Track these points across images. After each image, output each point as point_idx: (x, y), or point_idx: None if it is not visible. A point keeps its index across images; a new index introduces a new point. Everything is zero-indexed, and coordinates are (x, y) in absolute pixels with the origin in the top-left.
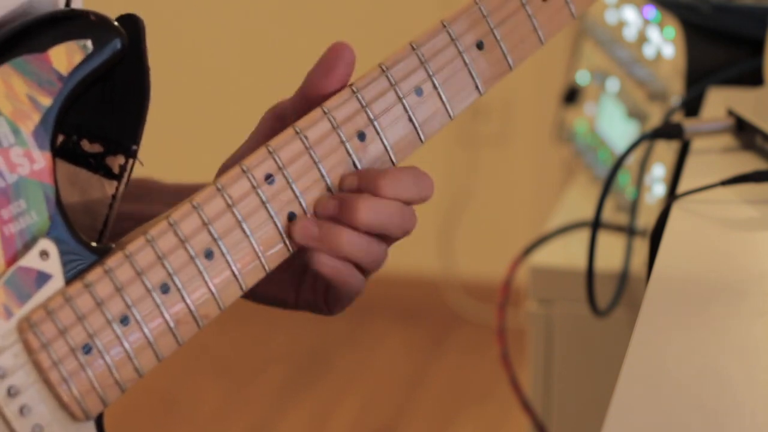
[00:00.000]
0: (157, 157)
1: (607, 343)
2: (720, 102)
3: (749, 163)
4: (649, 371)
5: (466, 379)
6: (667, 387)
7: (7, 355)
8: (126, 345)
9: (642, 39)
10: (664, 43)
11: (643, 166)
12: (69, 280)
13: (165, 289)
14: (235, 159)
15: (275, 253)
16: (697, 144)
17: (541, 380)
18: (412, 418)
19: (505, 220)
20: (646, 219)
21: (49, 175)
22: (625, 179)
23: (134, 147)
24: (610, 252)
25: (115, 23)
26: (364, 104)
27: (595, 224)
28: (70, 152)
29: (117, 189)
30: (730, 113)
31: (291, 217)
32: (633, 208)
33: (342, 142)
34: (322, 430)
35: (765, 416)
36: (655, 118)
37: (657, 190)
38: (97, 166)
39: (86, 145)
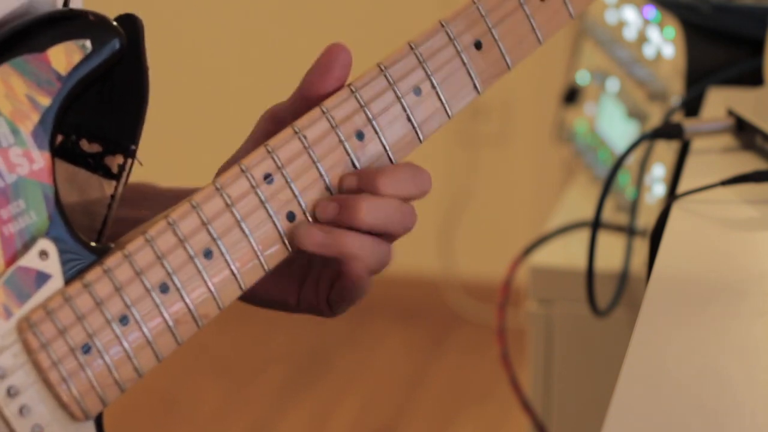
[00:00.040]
0: (156, 157)
1: (607, 343)
2: (720, 102)
3: (749, 163)
4: (649, 371)
5: (466, 379)
6: (667, 387)
7: (6, 355)
8: (125, 345)
9: (642, 39)
10: (664, 43)
11: (643, 166)
12: (68, 280)
13: (164, 288)
14: (233, 162)
15: (274, 252)
16: (697, 144)
17: (541, 380)
18: (412, 418)
19: (505, 220)
20: (646, 219)
21: (48, 175)
22: (625, 179)
23: (133, 147)
24: (610, 252)
25: (114, 23)
26: (362, 104)
27: (595, 224)
28: (69, 152)
29: (116, 189)
30: (730, 113)
31: (290, 216)
32: (633, 208)
33: (341, 141)
34: (322, 430)
35: (765, 416)
36: (655, 118)
37: (657, 190)
38: (96, 165)
39: (85, 145)
